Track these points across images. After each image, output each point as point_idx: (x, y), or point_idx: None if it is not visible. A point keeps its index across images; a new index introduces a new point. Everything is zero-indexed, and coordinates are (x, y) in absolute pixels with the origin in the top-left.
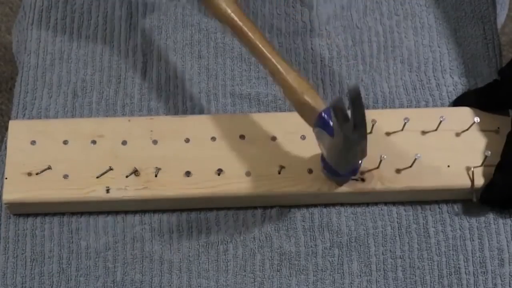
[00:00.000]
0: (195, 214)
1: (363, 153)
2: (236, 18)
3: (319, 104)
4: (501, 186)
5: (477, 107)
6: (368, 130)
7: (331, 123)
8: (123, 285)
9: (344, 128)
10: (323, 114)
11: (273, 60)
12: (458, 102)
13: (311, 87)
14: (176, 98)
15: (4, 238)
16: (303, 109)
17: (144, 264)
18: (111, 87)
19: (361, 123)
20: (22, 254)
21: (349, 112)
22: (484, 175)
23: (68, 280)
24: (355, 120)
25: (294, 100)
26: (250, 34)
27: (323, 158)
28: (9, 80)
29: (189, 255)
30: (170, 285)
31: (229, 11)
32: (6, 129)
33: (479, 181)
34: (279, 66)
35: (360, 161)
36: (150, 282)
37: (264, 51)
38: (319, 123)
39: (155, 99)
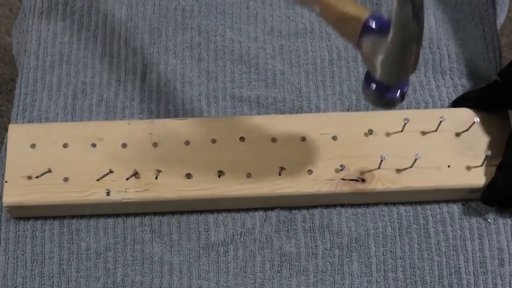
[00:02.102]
0: (196, 215)
1: (416, 60)
2: None
3: (363, 11)
4: (502, 185)
5: (476, 107)
6: (370, 129)
7: (381, 25)
8: (123, 286)
9: (405, 13)
10: (371, 19)
11: None
12: (457, 103)
13: None
14: (176, 101)
15: (5, 239)
16: (346, 23)
17: (145, 266)
18: (111, 89)
19: (420, 6)
20: (23, 255)
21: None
22: (485, 175)
23: (68, 281)
24: (414, 4)
25: (334, 14)
26: None
27: (367, 78)
28: (9, 81)
29: (189, 257)
30: (170, 286)
31: None
32: (6, 130)
33: (479, 181)
34: None
35: (408, 82)
36: (150, 284)
37: None
38: (367, 30)
39: (155, 101)
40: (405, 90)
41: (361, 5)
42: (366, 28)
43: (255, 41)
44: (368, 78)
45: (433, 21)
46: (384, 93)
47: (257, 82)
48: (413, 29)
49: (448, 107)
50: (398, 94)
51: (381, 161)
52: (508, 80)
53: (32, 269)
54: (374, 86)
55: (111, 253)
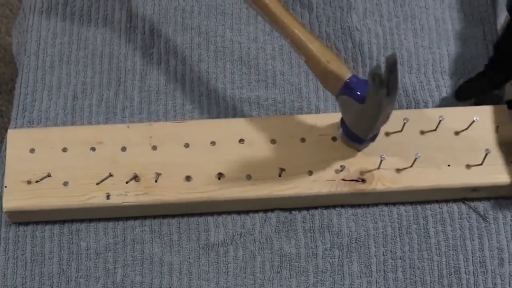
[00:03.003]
0: (196, 217)
1: (387, 119)
2: None
3: (345, 72)
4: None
5: (478, 94)
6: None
7: (358, 91)
8: (123, 286)
9: (379, 93)
10: (349, 81)
11: (295, 30)
12: (459, 93)
13: (336, 56)
14: (175, 101)
15: (4, 239)
16: (328, 78)
17: (144, 266)
18: (111, 89)
19: (394, 87)
20: (22, 255)
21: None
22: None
23: (68, 281)
24: (389, 85)
25: (319, 70)
26: (271, 5)
27: (343, 125)
28: (9, 81)
29: (189, 257)
30: (170, 287)
31: None
32: (6, 130)
33: (480, 180)
34: (302, 37)
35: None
36: (150, 284)
37: (286, 22)
38: (346, 91)
39: (154, 102)
40: (375, 136)
41: (345, 66)
42: (345, 89)
43: (255, 42)
44: (343, 124)
45: (433, 21)
46: (356, 141)
47: (257, 83)
48: (386, 103)
49: (451, 103)
50: (367, 142)
51: (381, 161)
52: (504, 50)
53: (32, 269)
54: (347, 132)
55: (111, 253)
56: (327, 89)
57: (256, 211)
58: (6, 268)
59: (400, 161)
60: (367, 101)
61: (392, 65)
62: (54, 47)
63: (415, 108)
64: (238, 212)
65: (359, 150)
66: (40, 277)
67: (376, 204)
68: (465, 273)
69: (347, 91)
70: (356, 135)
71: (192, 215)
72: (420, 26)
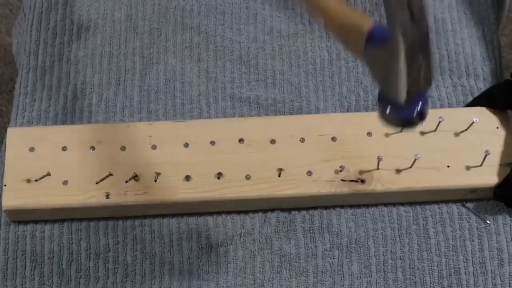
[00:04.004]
0: (195, 217)
1: (427, 73)
2: None
3: (367, 22)
4: None
5: (489, 106)
6: (370, 130)
7: (384, 37)
8: (123, 286)
9: (399, 18)
10: (374, 30)
11: None
12: (474, 103)
13: (355, 9)
14: (175, 101)
15: (4, 239)
16: (349, 34)
17: (144, 266)
18: (111, 89)
19: (419, 12)
20: (22, 255)
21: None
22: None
23: (68, 281)
24: (411, 7)
25: (338, 26)
26: None
27: (380, 98)
28: (9, 81)
29: (189, 257)
30: (170, 287)
31: None
32: (6, 130)
33: (479, 181)
34: None
35: (425, 96)
36: (150, 284)
37: None
38: (371, 41)
39: (154, 101)
40: (422, 108)
41: (366, 15)
42: (369, 40)
43: (255, 41)
44: (380, 96)
45: (433, 20)
46: (398, 112)
47: (257, 83)
48: (414, 37)
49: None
50: (414, 113)
51: (378, 161)
52: None
53: (31, 269)
54: (386, 105)
55: (111, 253)
56: (351, 48)
57: (256, 211)
58: (6, 268)
59: (399, 161)
60: (391, 38)
61: None
62: (54, 47)
63: None
64: (238, 212)
65: (410, 127)
66: (40, 277)
67: (376, 205)
68: (465, 273)
69: (372, 41)
70: (399, 104)
71: (192, 215)
72: None
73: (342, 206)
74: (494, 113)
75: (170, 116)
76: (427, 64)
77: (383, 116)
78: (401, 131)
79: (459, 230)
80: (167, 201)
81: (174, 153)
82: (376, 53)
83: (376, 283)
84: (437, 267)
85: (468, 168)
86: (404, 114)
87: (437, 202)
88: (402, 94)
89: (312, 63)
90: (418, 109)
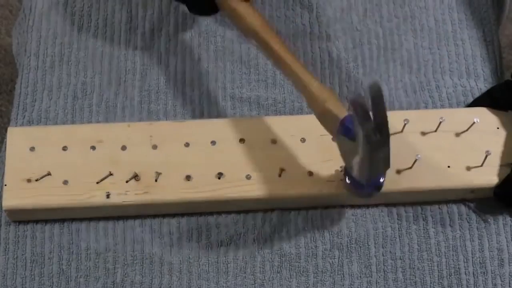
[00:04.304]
0: (196, 217)
1: (386, 162)
2: (260, 32)
3: (341, 111)
4: None
5: (491, 107)
6: None
7: (352, 129)
8: (123, 286)
9: (365, 127)
10: (345, 121)
11: (296, 71)
12: (475, 103)
13: (334, 95)
14: (176, 101)
15: (4, 239)
16: (326, 118)
17: (144, 266)
18: (111, 89)
19: (382, 123)
20: (22, 255)
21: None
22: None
23: (68, 281)
24: (376, 119)
25: (317, 109)
26: (274, 46)
27: (346, 172)
28: (9, 82)
29: (189, 257)
30: (170, 286)
31: (254, 25)
32: (6, 130)
33: (479, 181)
34: (302, 77)
35: (383, 175)
36: (150, 284)
37: (288, 63)
38: (342, 130)
39: (154, 101)
40: (380, 182)
41: (342, 104)
42: (341, 128)
43: None
44: (346, 171)
45: (433, 21)
46: (359, 188)
47: (257, 83)
48: (376, 141)
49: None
50: (372, 189)
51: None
52: None
53: (32, 269)
54: (350, 181)
55: (111, 253)
56: (327, 130)
57: (256, 211)
58: (6, 268)
59: (400, 162)
60: (357, 138)
61: (375, 96)
62: (54, 47)
63: (415, 109)
64: (238, 212)
65: (368, 198)
66: (40, 277)
67: (376, 205)
68: (465, 273)
69: (343, 130)
70: (358, 181)
71: (192, 214)
72: (420, 27)
73: (342, 206)
74: (495, 114)
75: (170, 116)
76: (387, 156)
77: (346, 188)
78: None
79: (459, 230)
80: (168, 201)
81: (174, 153)
82: (345, 141)
83: (376, 283)
84: (437, 267)
85: (468, 168)
86: (364, 191)
87: (437, 202)
88: (364, 178)
89: (312, 63)
90: (376, 185)
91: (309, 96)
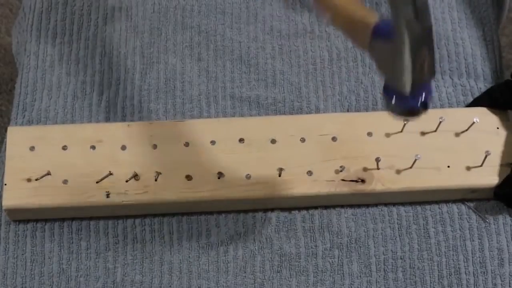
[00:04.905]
0: (196, 216)
1: (431, 65)
2: None
3: (373, 16)
4: None
5: (490, 107)
6: (370, 130)
7: (390, 31)
8: (123, 285)
9: (406, 13)
10: (380, 24)
11: None
12: (475, 103)
13: (361, 3)
14: (175, 100)
15: (4, 239)
16: (355, 28)
17: (144, 265)
18: (111, 88)
19: (423, 7)
20: (22, 254)
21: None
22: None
23: (68, 281)
24: (415, 3)
25: (344, 20)
26: None
27: (386, 89)
28: (9, 81)
29: (189, 256)
30: (170, 286)
31: None
32: (6, 130)
33: (479, 181)
34: None
35: (430, 89)
36: (150, 283)
37: None
38: (377, 35)
39: (154, 101)
40: (426, 98)
41: (371, 10)
42: (375, 33)
43: (255, 41)
44: (385, 88)
45: (433, 21)
46: (403, 103)
47: (257, 82)
48: (418, 31)
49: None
50: (418, 103)
51: (377, 162)
52: None
53: (32, 269)
54: (391, 95)
55: (111, 253)
56: (357, 43)
57: (256, 211)
58: (6, 268)
59: (400, 161)
60: (396, 32)
61: None
62: (54, 46)
63: None
64: (238, 212)
65: (414, 117)
66: (40, 276)
67: (376, 205)
68: (465, 273)
69: (377, 34)
70: (401, 94)
71: (192, 214)
72: None
73: (342, 206)
74: (495, 114)
75: (170, 116)
76: (431, 57)
77: (388, 106)
78: (405, 121)
79: (459, 230)
80: (168, 200)
81: (174, 153)
82: (382, 47)
83: (376, 283)
84: (437, 266)
85: (468, 168)
86: (408, 104)
87: (437, 202)
88: (407, 86)
89: (312, 63)
90: (422, 100)
91: (333, 8)
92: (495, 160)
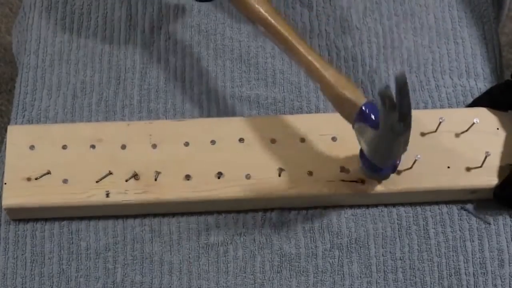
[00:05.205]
0: (195, 216)
1: (405, 146)
2: (270, 18)
3: (360, 98)
4: None
5: (491, 107)
6: None
7: (373, 117)
8: (123, 286)
9: (391, 118)
10: (364, 108)
11: (309, 57)
12: (475, 104)
13: (350, 82)
14: (175, 100)
15: (4, 239)
16: (343, 105)
17: (144, 265)
18: (111, 88)
19: (407, 112)
20: (22, 255)
21: None
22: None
23: (68, 281)
24: (401, 108)
25: (333, 96)
26: (285, 32)
27: (362, 156)
28: (9, 81)
29: (189, 257)
30: (170, 286)
31: (262, 10)
32: (6, 130)
33: (479, 182)
34: (316, 63)
35: (400, 156)
36: (150, 283)
37: (300, 48)
38: (361, 118)
39: (154, 100)
40: (397, 163)
41: (360, 92)
42: (360, 118)
43: (255, 40)
44: (362, 154)
45: (433, 20)
46: (376, 171)
47: (257, 81)
48: (400, 130)
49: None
50: (389, 171)
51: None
52: None
53: (31, 269)
54: (366, 163)
55: (111, 253)
56: (343, 117)
57: (256, 211)
58: (6, 268)
59: (400, 162)
60: (381, 126)
61: (402, 87)
62: (54, 46)
63: (414, 109)
64: (238, 212)
65: (379, 182)
66: (40, 277)
67: (376, 205)
68: (465, 274)
69: (362, 118)
70: (375, 165)
71: (192, 214)
72: (420, 25)
73: (342, 206)
74: (495, 114)
75: (170, 115)
76: (406, 141)
77: (362, 172)
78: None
79: (459, 230)
80: (167, 200)
81: (174, 152)
82: (365, 128)
83: (376, 283)
84: (437, 267)
85: (468, 169)
86: (382, 173)
87: (437, 203)
88: (383, 163)
89: None
90: (393, 167)
91: (324, 83)
92: (495, 161)
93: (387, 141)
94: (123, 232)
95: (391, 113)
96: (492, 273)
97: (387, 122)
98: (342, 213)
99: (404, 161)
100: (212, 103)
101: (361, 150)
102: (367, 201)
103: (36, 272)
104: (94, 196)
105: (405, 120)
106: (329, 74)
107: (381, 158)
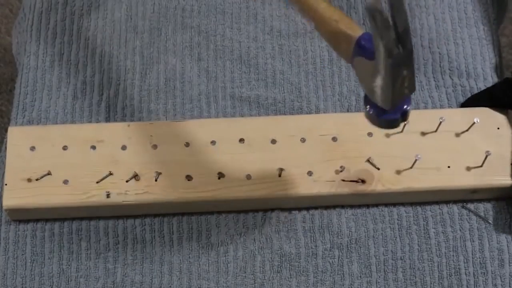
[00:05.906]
0: (196, 216)
1: (411, 83)
2: None
3: (356, 30)
4: None
5: (490, 106)
6: (370, 130)
7: (371, 47)
8: (123, 286)
9: (386, 38)
10: (361, 40)
11: None
12: (468, 103)
13: (345, 15)
14: (175, 100)
15: (4, 239)
16: (339, 40)
17: (144, 265)
18: (111, 89)
19: (404, 32)
20: (22, 255)
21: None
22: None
23: (68, 281)
24: (397, 28)
25: (328, 31)
26: None
27: (366, 100)
28: (9, 81)
29: (189, 257)
30: (170, 286)
31: None
32: (6, 130)
33: (480, 182)
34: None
35: (409, 101)
36: (150, 283)
37: None
38: (358, 50)
39: (154, 101)
40: (406, 109)
41: (355, 24)
42: (357, 50)
43: (255, 41)
44: (366, 99)
45: (433, 20)
46: (382, 115)
47: (257, 82)
48: (399, 55)
49: (460, 106)
50: (397, 115)
51: (371, 162)
52: None
53: (31, 269)
54: (371, 108)
55: (111, 253)
56: (341, 54)
57: (256, 211)
58: (6, 268)
59: (400, 162)
60: (376, 55)
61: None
62: (54, 46)
63: (415, 109)
64: (238, 212)
65: (393, 128)
66: (40, 277)
67: (376, 205)
68: (465, 274)
69: (359, 50)
70: (381, 108)
71: (192, 214)
72: (420, 26)
73: (342, 206)
74: (495, 114)
75: (170, 116)
76: (411, 75)
77: (368, 116)
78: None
79: (460, 230)
80: (168, 200)
81: (174, 153)
82: (363, 63)
83: (376, 283)
84: (438, 267)
85: (468, 168)
86: (388, 117)
87: (437, 203)
88: (387, 103)
89: (312, 62)
90: (401, 112)
91: (317, 18)
92: (495, 160)
93: (386, 71)
94: (123, 232)
95: (385, 33)
96: (492, 273)
97: (382, 47)
98: (342, 213)
99: (405, 161)
100: (212, 104)
101: (365, 96)
102: (367, 201)
103: (36, 272)
104: (95, 196)
105: (404, 43)
106: (322, 7)
107: (384, 97)
